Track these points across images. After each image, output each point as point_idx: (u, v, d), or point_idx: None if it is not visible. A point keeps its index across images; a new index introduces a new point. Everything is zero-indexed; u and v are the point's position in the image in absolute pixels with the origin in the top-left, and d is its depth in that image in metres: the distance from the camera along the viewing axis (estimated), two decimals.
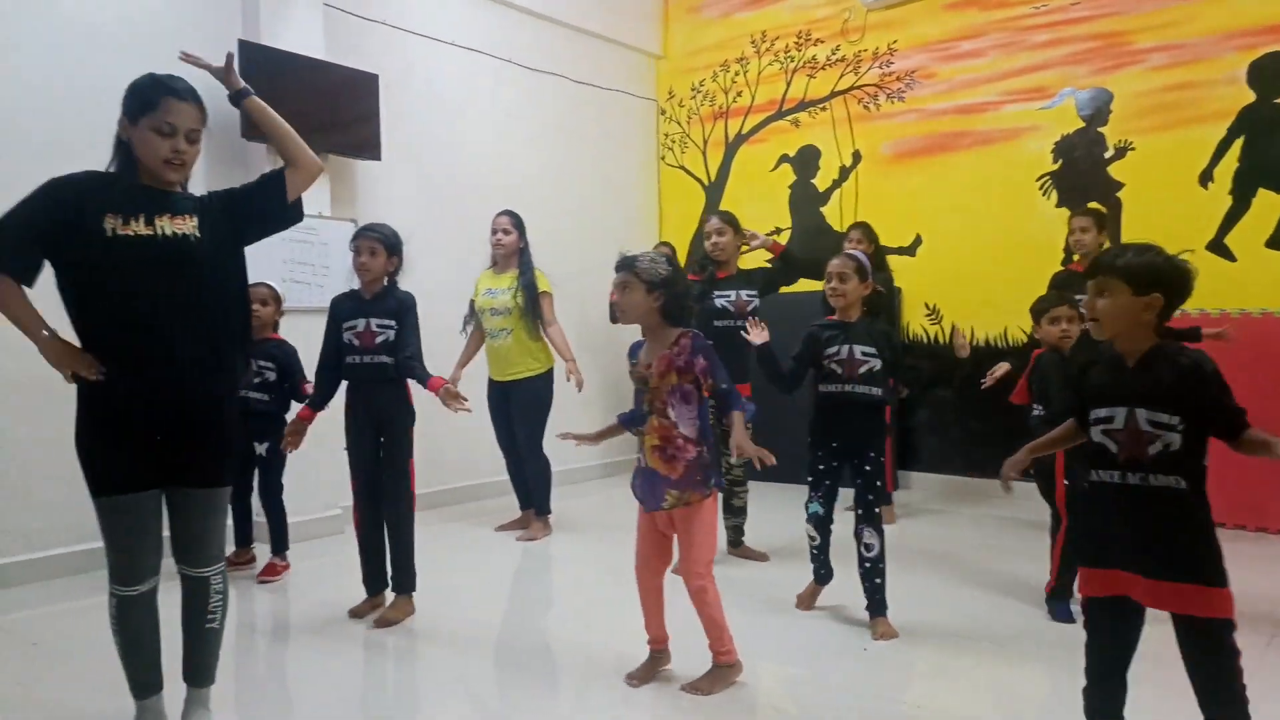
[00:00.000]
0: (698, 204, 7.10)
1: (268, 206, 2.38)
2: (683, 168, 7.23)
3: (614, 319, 5.44)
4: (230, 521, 4.00)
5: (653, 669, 2.78)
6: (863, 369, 3.14)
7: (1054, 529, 3.35)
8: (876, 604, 3.18)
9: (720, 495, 3.93)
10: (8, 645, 3.21)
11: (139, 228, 2.15)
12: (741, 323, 3.91)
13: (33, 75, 3.99)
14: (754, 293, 4.07)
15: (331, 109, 4.79)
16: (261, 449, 4.01)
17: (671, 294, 2.61)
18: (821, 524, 3.31)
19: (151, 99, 2.18)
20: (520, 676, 2.94)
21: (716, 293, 4.06)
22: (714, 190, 7.04)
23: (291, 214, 2.41)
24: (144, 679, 2.33)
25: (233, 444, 2.39)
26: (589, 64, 6.70)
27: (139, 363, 2.18)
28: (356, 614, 3.43)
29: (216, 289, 2.27)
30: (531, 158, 6.27)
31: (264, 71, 4.43)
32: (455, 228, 5.61)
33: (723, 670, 2.71)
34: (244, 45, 4.40)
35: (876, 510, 3.19)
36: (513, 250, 4.66)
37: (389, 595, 3.45)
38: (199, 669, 2.40)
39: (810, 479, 3.29)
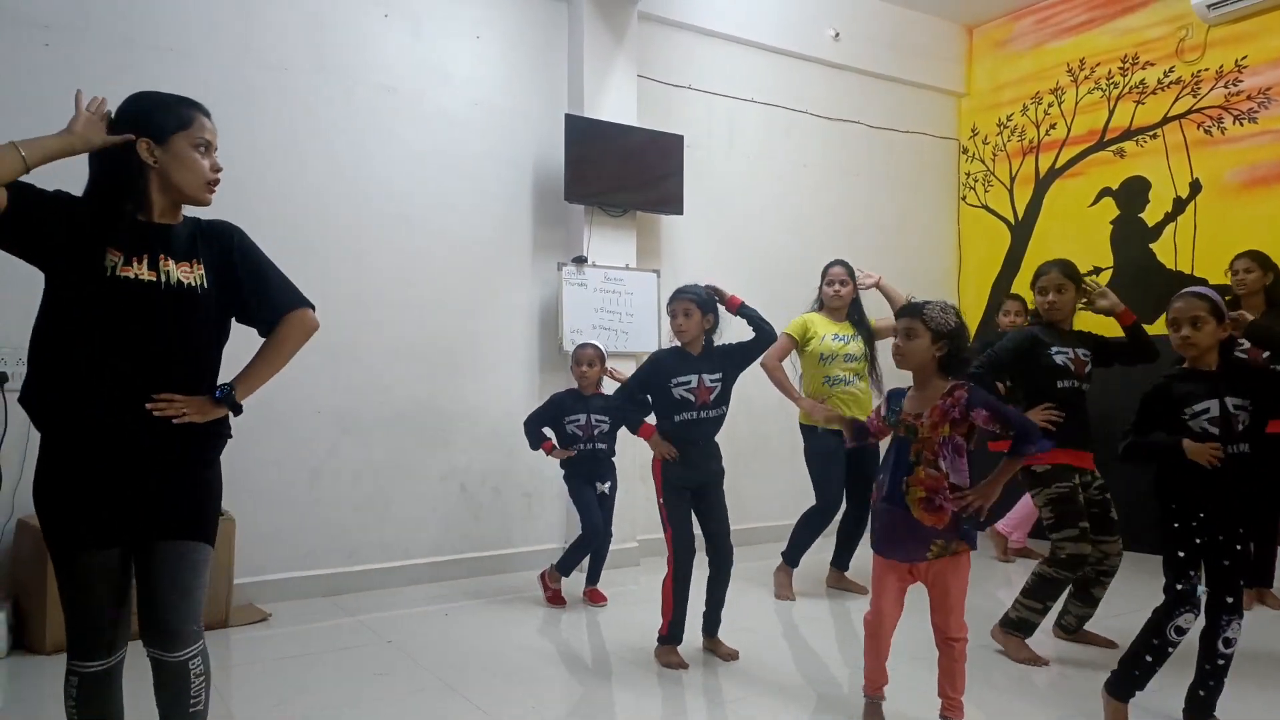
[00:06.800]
0: (1002, 245, 6.71)
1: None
2: (986, 207, 6.88)
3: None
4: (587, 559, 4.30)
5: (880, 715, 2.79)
6: (1241, 425, 2.69)
7: None
8: (1207, 707, 2.72)
9: (1071, 578, 3.53)
10: (369, 640, 3.74)
11: (141, 270, 1.85)
12: (1082, 385, 3.52)
13: (408, 154, 4.71)
14: (1089, 353, 3.54)
15: (641, 169, 5.18)
16: (604, 487, 4.33)
17: (954, 347, 2.61)
18: (1196, 615, 2.69)
19: (187, 115, 1.91)
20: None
21: (1055, 348, 3.50)
22: (1021, 230, 6.62)
23: None
24: None
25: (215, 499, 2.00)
26: (887, 108, 6.64)
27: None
28: (671, 664, 3.38)
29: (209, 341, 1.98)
30: (827, 205, 6.31)
31: (585, 139, 4.92)
32: (752, 277, 5.75)
33: None
34: (569, 118, 4.92)
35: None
36: (849, 300, 4.54)
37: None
38: None
39: (1183, 555, 2.68)
